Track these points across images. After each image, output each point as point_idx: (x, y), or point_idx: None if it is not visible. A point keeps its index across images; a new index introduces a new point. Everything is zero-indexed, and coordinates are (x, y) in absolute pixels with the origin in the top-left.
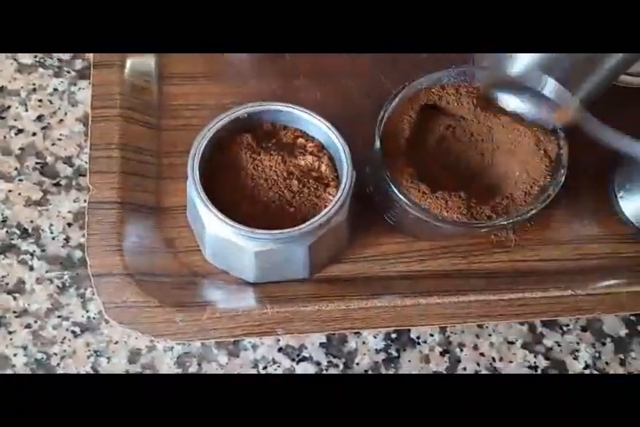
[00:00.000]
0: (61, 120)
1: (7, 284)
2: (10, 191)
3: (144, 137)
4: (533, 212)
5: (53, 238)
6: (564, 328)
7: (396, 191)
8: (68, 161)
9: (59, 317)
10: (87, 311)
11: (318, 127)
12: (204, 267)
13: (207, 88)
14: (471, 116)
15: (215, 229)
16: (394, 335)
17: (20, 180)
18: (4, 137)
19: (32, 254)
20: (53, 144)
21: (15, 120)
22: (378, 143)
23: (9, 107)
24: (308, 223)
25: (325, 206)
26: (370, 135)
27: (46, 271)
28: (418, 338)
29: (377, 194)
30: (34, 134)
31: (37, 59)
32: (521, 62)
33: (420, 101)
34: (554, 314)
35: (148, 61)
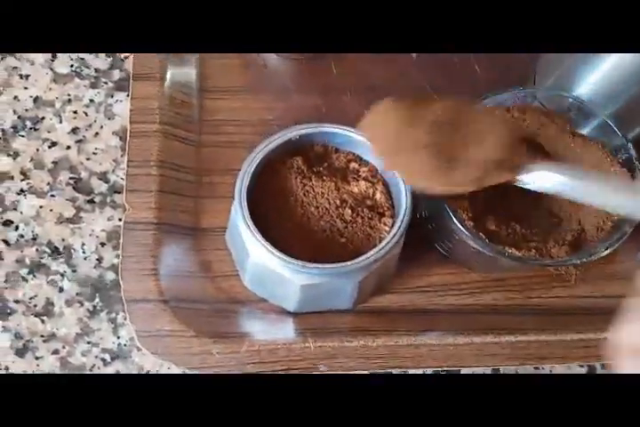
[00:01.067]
0: (97, 133)
1: (35, 306)
2: (41, 207)
3: (183, 154)
4: (608, 251)
5: (85, 258)
6: None
7: (456, 223)
8: (103, 177)
9: (88, 342)
10: (118, 338)
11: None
12: (243, 293)
13: (249, 103)
14: (540, 139)
15: (260, 259)
16: (442, 374)
17: (53, 195)
18: (37, 150)
19: (62, 275)
20: (88, 159)
21: (49, 132)
22: None
23: (43, 118)
24: (362, 258)
25: (380, 238)
26: None
27: (77, 293)
28: None
29: (431, 221)
30: (68, 148)
31: (74, 68)
32: (588, 83)
33: None
34: None
35: (188, 74)
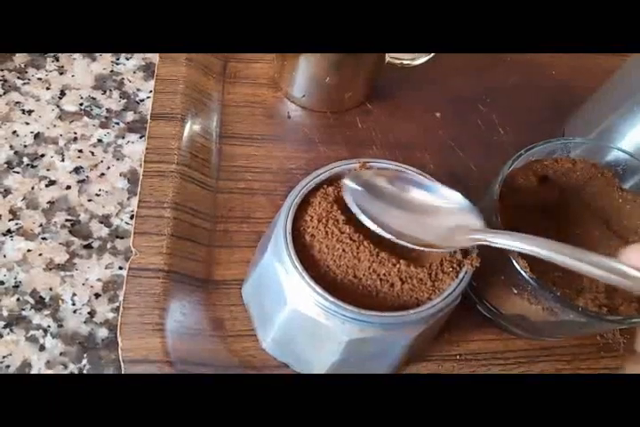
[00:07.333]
0: (102, 174)
1: (8, 366)
2: (29, 251)
3: (199, 198)
4: None
5: (75, 311)
6: None
7: (523, 273)
8: (104, 220)
9: None
10: None
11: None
12: (259, 357)
13: (271, 151)
14: (586, 194)
15: (301, 307)
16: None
17: (44, 238)
18: (32, 188)
19: (45, 330)
20: (90, 200)
21: (48, 170)
22: (497, 218)
23: (43, 155)
24: (426, 306)
25: (448, 282)
26: None
27: (60, 353)
28: None
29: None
30: (68, 187)
31: (83, 107)
32: (629, 139)
33: (534, 173)
34: None
35: (209, 118)
